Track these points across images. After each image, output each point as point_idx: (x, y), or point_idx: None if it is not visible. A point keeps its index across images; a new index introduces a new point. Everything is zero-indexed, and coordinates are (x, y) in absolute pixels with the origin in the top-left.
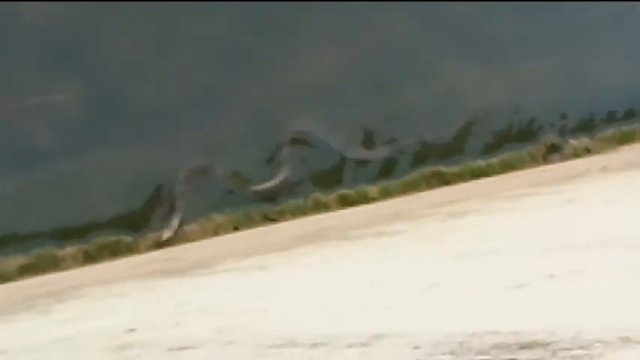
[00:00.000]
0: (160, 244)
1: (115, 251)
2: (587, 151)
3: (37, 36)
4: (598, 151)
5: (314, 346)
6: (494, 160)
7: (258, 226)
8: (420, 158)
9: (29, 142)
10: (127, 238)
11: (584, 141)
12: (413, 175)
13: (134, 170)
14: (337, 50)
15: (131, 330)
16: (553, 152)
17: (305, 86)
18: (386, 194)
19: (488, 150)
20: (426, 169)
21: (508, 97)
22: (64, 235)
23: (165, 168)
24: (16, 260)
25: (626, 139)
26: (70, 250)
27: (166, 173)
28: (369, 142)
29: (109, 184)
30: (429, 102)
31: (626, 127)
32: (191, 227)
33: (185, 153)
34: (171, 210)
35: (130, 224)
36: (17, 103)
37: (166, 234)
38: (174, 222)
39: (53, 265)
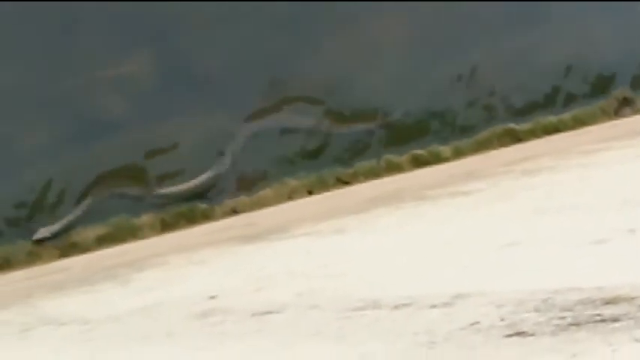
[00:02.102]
0: (236, 211)
1: (191, 218)
2: None
3: (107, 7)
4: None
5: (397, 307)
6: (566, 115)
7: (331, 189)
8: (491, 116)
9: (102, 113)
10: (202, 205)
11: None
12: (485, 133)
13: (206, 137)
14: (400, 13)
15: (212, 297)
16: (625, 106)
17: (368, 51)
18: (458, 153)
19: (560, 106)
20: (498, 127)
21: (579, 52)
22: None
23: (237, 134)
24: (94, 230)
25: None
26: (146, 218)
27: (237, 140)
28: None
29: (180, 152)
30: (500, 61)
31: None
32: (265, 192)
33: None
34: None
35: (204, 191)
36: (89, 76)
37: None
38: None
39: (131, 234)
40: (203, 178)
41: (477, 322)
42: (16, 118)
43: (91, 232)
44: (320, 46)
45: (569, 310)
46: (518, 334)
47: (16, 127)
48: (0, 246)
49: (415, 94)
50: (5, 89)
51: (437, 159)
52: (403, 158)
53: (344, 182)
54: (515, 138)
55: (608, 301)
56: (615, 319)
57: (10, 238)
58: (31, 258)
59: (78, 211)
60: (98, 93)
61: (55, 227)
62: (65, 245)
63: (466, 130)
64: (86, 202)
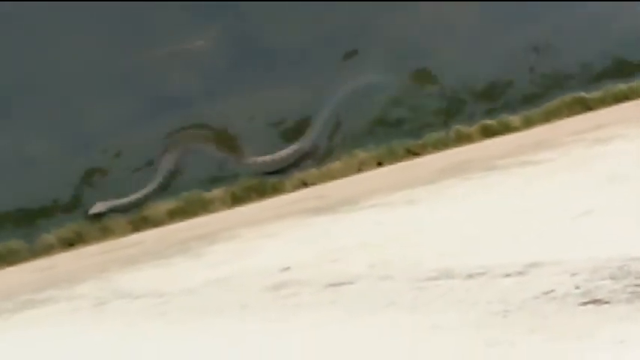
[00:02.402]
0: (306, 183)
1: (261, 192)
2: None
3: None
4: None
5: (470, 276)
6: (637, 83)
7: (401, 160)
8: (560, 85)
9: (172, 88)
10: (272, 179)
11: None
12: (554, 102)
13: (274, 111)
14: None
15: (285, 269)
16: None
17: (440, 22)
18: (528, 123)
19: (630, 73)
20: (568, 96)
21: None
22: (212, 178)
23: (304, 109)
24: (166, 205)
25: None
26: (217, 192)
27: (305, 114)
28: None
29: (250, 126)
30: (571, 30)
31: None
32: (334, 165)
33: (323, 93)
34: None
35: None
36: (159, 51)
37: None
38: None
39: (202, 208)
40: (286, 151)
41: (552, 291)
42: (88, 94)
43: (162, 207)
44: (392, 21)
45: None
46: (593, 301)
47: (87, 103)
48: (73, 222)
49: (485, 64)
50: (77, 66)
51: (506, 129)
52: (472, 129)
53: (413, 153)
54: (585, 106)
55: None
56: None
57: (84, 213)
58: (104, 233)
59: (152, 185)
60: (170, 69)
61: (123, 201)
62: (137, 219)
63: (535, 100)
64: (162, 173)
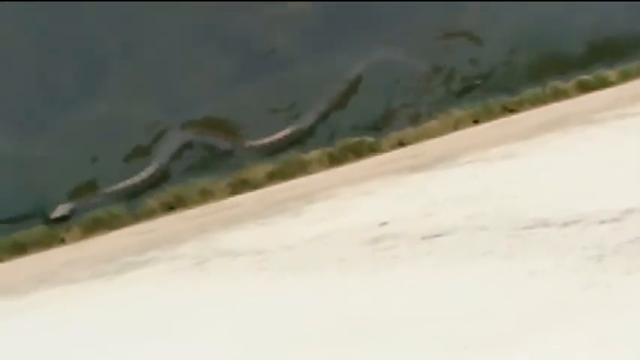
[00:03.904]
0: (403, 143)
1: (358, 152)
2: None
3: None
4: None
5: (566, 224)
6: None
7: (497, 118)
8: None
9: (270, 48)
10: (369, 139)
11: None
12: None
13: (373, 71)
14: None
15: (383, 223)
16: None
17: None
18: (625, 77)
19: None
20: None
21: None
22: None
23: (402, 69)
24: (264, 167)
25: None
26: (315, 153)
27: (403, 74)
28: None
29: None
30: None
31: None
32: (430, 124)
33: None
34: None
35: (371, 125)
36: (257, 12)
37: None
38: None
39: (300, 169)
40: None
41: None
42: (185, 56)
43: (261, 169)
44: None
45: None
46: None
47: (185, 66)
48: (173, 186)
49: (581, 21)
50: (174, 29)
51: (603, 83)
52: (569, 84)
53: (510, 110)
54: None
55: None
56: None
57: (183, 178)
58: (204, 196)
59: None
60: (266, 30)
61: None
62: (236, 182)
63: (632, 54)
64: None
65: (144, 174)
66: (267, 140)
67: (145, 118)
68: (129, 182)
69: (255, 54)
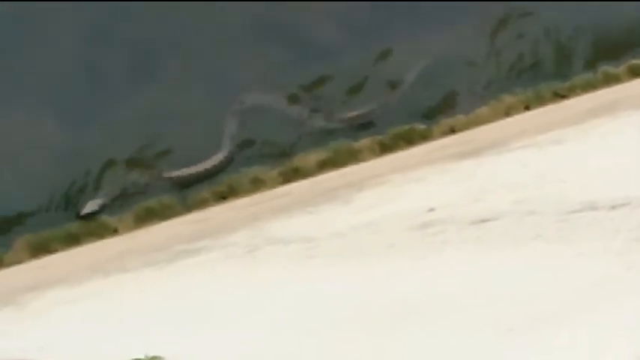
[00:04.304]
0: (454, 130)
1: (409, 139)
2: None
3: None
4: None
5: (614, 207)
6: None
7: (548, 103)
8: None
9: (316, 38)
10: (420, 126)
11: None
12: None
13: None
14: None
15: (431, 209)
16: None
17: None
18: None
19: None
20: None
21: None
22: (359, 126)
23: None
24: (316, 155)
25: None
26: (365, 141)
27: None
28: None
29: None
30: None
31: None
32: (482, 110)
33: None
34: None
35: (423, 112)
36: (301, 4)
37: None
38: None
39: (351, 157)
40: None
41: None
42: (233, 47)
43: (312, 157)
44: None
45: None
46: None
47: (232, 57)
48: (225, 175)
49: (632, 5)
50: (223, 20)
51: None
52: (620, 69)
53: (561, 96)
54: None
55: None
56: None
57: (235, 167)
58: (255, 185)
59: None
60: (314, 21)
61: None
62: (287, 171)
63: None
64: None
65: (210, 162)
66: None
67: (195, 108)
68: (192, 169)
69: (305, 44)
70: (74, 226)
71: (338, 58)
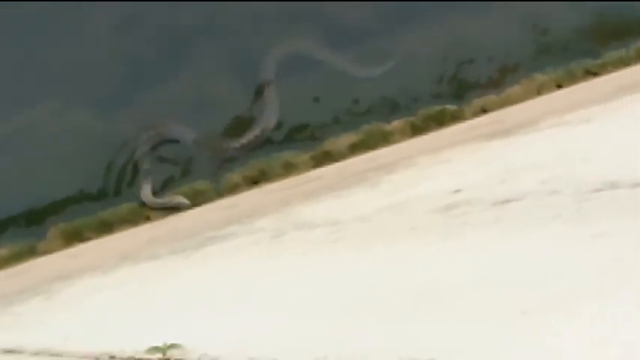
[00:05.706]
0: (485, 110)
1: (440, 120)
2: None
3: None
4: None
5: (636, 185)
6: None
7: (580, 81)
8: None
9: (345, 21)
10: (451, 107)
11: None
12: None
13: (451, 45)
14: None
15: (457, 191)
16: None
17: None
18: None
19: None
20: None
21: None
22: (390, 109)
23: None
24: (347, 139)
25: None
26: (397, 123)
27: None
28: None
29: (425, 61)
30: None
31: None
32: (513, 89)
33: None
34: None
35: (454, 92)
36: None
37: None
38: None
39: (382, 139)
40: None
41: None
42: (256, 32)
43: (343, 140)
44: None
45: None
46: None
47: (256, 40)
48: (256, 160)
49: None
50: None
51: None
52: None
53: (593, 74)
54: None
55: None
56: None
57: (267, 151)
58: (287, 169)
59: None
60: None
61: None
62: (319, 155)
63: None
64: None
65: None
66: None
67: (230, 94)
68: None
69: (335, 28)
70: (107, 214)
71: (367, 42)
